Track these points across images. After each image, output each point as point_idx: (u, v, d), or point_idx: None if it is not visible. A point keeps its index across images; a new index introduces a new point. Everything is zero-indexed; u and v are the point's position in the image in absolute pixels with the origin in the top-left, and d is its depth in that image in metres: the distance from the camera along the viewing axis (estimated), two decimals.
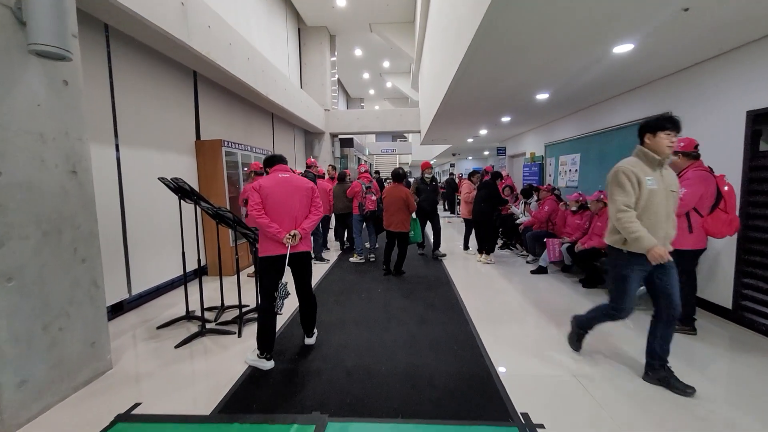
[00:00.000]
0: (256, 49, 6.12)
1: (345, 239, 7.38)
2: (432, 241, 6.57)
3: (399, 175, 5.46)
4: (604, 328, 3.13)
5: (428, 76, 8.62)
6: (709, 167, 3.13)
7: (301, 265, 2.99)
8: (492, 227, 6.22)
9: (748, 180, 3.31)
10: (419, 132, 11.75)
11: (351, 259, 6.40)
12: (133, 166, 4.16)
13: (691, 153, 3.18)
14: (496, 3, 2.55)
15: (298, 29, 11.15)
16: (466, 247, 6.91)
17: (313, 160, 6.83)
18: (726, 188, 3.06)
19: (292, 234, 2.79)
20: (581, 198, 5.30)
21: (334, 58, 12.18)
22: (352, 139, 12.85)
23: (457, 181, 13.13)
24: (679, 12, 2.59)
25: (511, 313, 3.84)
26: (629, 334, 3.28)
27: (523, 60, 3.89)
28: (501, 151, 11.17)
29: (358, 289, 4.74)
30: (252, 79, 5.90)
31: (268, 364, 2.81)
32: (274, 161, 3.09)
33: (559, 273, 5.37)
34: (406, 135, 25.54)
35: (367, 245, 6.84)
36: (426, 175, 6.30)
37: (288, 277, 2.84)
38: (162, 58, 4.61)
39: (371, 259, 6.37)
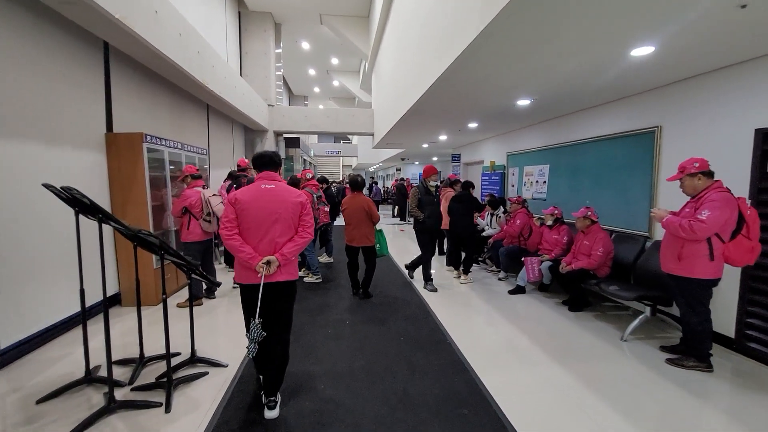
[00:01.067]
0: (190, 24, 4.98)
1: None
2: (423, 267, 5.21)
3: (358, 183, 4.80)
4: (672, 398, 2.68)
5: (389, 78, 8.00)
6: (727, 188, 2.85)
7: (278, 300, 2.36)
8: (476, 243, 5.71)
9: (756, 203, 3.10)
10: (372, 134, 11.09)
11: (306, 279, 5.52)
12: (7, 166, 2.94)
13: (709, 172, 2.88)
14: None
15: (239, 12, 9.90)
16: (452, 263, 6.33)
17: (246, 161, 5.74)
18: (749, 212, 2.79)
19: (265, 261, 2.23)
20: (557, 212, 5.00)
21: (280, 50, 11.05)
22: (298, 139, 11.79)
23: (406, 186, 12.68)
24: (736, 9, 2.19)
25: (509, 350, 3.29)
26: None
27: (522, 63, 3.40)
28: (455, 158, 10.90)
29: (322, 321, 3.91)
30: (185, 60, 4.77)
31: (270, 413, 2.33)
32: (261, 164, 2.43)
33: (537, 292, 5.01)
34: (349, 137, 24.77)
35: (324, 260, 6.00)
36: (431, 183, 5.09)
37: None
38: (57, 19, 3.39)
39: (318, 281, 5.52)
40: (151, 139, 4.34)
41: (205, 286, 4.55)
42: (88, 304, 3.72)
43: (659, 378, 2.81)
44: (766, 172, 3.10)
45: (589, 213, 4.26)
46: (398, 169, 21.54)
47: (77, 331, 3.57)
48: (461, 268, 5.59)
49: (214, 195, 4.40)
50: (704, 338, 2.91)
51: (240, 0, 9.65)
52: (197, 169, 4.53)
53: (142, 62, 4.62)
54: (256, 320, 2.17)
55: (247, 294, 2.34)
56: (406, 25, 5.99)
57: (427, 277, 5.11)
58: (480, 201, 5.81)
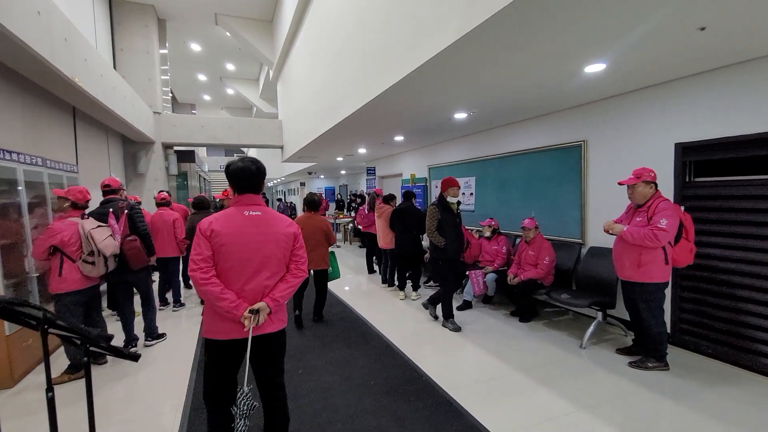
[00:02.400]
0: (54, 3, 3.77)
1: None
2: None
3: (314, 203, 4.45)
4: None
5: (304, 90, 7.42)
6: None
7: (268, 354, 1.88)
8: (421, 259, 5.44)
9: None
10: (281, 147, 10.23)
11: None
12: None
13: (655, 182, 3.10)
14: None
15: (110, 2, 8.22)
16: (388, 282, 5.94)
17: (116, 181, 4.19)
18: (685, 217, 3.06)
19: (255, 308, 1.74)
20: (494, 223, 5.08)
21: (166, 51, 9.51)
22: (193, 152, 10.24)
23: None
24: (693, 32, 2.33)
25: (487, 377, 3.05)
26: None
27: (471, 82, 3.36)
28: (370, 170, 10.72)
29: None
30: (46, 47, 3.55)
31: None
32: (243, 183, 1.85)
33: (482, 305, 4.98)
34: (244, 150, 22.91)
35: None
36: (450, 199, 4.11)
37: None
38: None
39: None
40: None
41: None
42: None
43: (632, 385, 2.87)
44: (686, 181, 3.49)
45: (537, 224, 4.38)
46: (302, 184, 20.59)
47: None
48: (409, 286, 5.34)
49: (99, 227, 3.25)
50: (663, 339, 3.08)
51: None
52: (86, 196, 3.34)
53: None
54: (245, 388, 1.75)
55: (221, 353, 1.80)
56: (328, 37, 5.58)
57: (448, 314, 4.19)
58: (425, 214, 5.57)
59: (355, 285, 6.37)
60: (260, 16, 9.40)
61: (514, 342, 3.77)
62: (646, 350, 3.17)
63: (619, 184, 3.20)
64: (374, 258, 7.19)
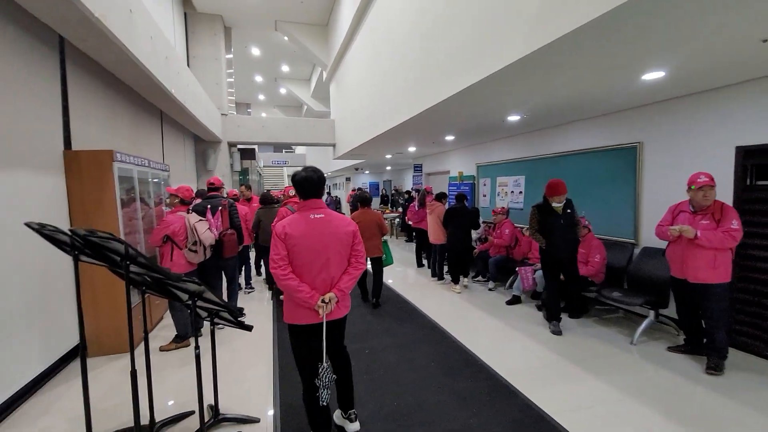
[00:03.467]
0: (158, 26, 4.41)
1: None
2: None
3: (367, 199, 5.11)
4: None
5: (359, 91, 7.82)
6: None
7: (338, 334, 2.33)
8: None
9: (740, 214, 3.47)
10: (333, 145, 10.78)
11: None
12: None
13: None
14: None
15: (185, 13, 9.07)
16: (437, 276, 6.33)
17: (219, 180, 5.07)
18: None
19: (327, 300, 2.08)
20: None
21: (231, 56, 10.32)
22: (254, 150, 11.06)
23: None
24: (756, 44, 2.43)
25: (539, 364, 3.30)
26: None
27: (533, 88, 3.55)
28: (417, 167, 11.02)
29: None
30: (156, 67, 4.19)
31: None
32: (308, 190, 2.19)
33: (532, 301, 5.16)
34: (293, 147, 23.97)
35: None
36: (556, 204, 4.01)
37: None
38: (11, 12, 2.75)
39: None
40: (121, 158, 3.72)
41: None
42: (47, 357, 3.08)
43: (682, 379, 3.00)
44: (747, 185, 3.49)
45: (586, 222, 4.50)
46: (348, 179, 21.28)
47: (47, 394, 2.91)
48: (455, 279, 5.67)
49: (200, 221, 3.85)
50: (727, 340, 3.14)
51: (187, 1, 8.85)
52: (191, 194, 3.99)
53: (107, 68, 3.97)
54: (325, 364, 2.08)
55: (303, 335, 2.17)
56: (386, 44, 5.91)
57: (551, 316, 4.13)
58: (476, 212, 5.87)
59: (406, 278, 6.74)
60: (316, 21, 9.93)
61: (565, 336, 3.95)
62: (716, 351, 3.14)
63: (700, 183, 3.07)
64: (423, 253, 7.50)
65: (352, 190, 17.34)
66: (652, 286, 3.95)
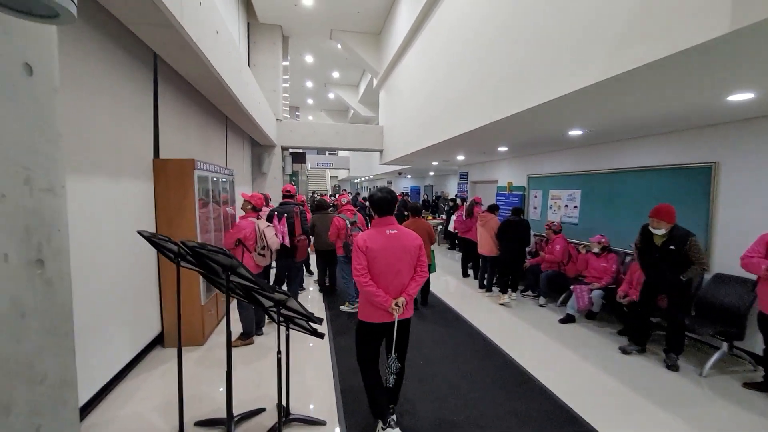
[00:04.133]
0: (237, 44, 4.73)
1: (326, 280, 6.16)
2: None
3: (418, 209, 5.36)
4: None
5: (413, 100, 7.91)
6: None
7: (404, 332, 2.58)
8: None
9: None
10: (380, 151, 10.97)
11: (342, 308, 5.31)
12: (80, 204, 2.61)
13: None
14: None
15: (248, 24, 9.60)
16: (484, 288, 6.32)
17: (293, 188, 5.48)
18: None
19: (399, 303, 2.41)
20: (604, 240, 5.05)
21: (287, 63, 10.80)
22: (304, 154, 11.50)
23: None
24: None
25: (602, 392, 3.22)
26: None
27: (608, 108, 3.45)
28: (463, 175, 10.95)
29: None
30: (232, 80, 4.52)
31: None
32: (383, 208, 2.53)
33: (586, 321, 5.01)
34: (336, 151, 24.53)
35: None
36: (653, 230, 3.66)
37: None
38: (120, 38, 3.09)
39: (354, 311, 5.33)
40: (201, 166, 4.04)
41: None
42: (132, 346, 3.40)
43: (759, 418, 2.82)
44: None
45: None
46: (389, 183, 21.48)
47: (131, 383, 3.22)
48: (504, 290, 5.66)
49: (268, 226, 4.14)
50: None
51: (250, 11, 9.36)
52: (263, 202, 4.29)
53: (188, 80, 4.33)
54: (393, 355, 2.47)
55: (372, 332, 2.54)
56: (443, 56, 5.97)
57: (673, 348, 3.68)
58: (527, 225, 5.78)
59: (452, 287, 6.74)
60: (370, 29, 10.16)
61: (626, 361, 3.82)
62: None
63: None
64: (469, 263, 7.45)
65: (399, 195, 17.46)
66: (726, 315, 3.73)
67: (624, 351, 3.97)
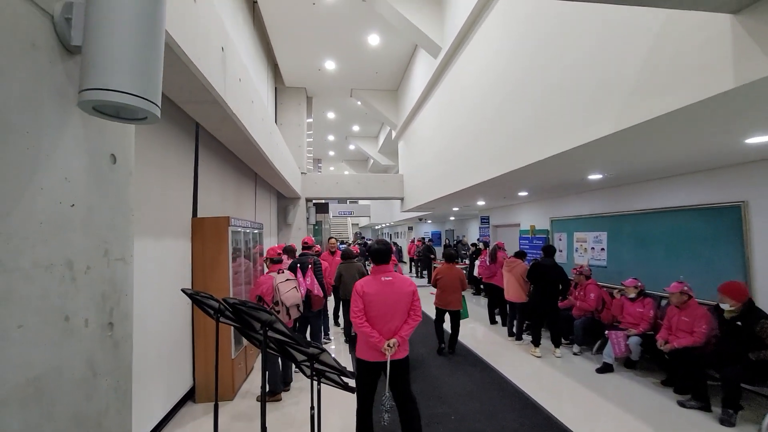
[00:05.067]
0: (267, 109, 5.17)
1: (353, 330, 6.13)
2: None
3: (452, 256, 5.60)
4: None
5: (430, 151, 8.24)
6: None
7: (399, 373, 2.75)
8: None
9: None
10: (401, 199, 11.22)
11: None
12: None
13: None
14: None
15: (275, 88, 10.42)
16: (514, 336, 6.13)
17: (312, 239, 5.66)
18: None
19: (391, 344, 2.62)
20: (640, 284, 4.90)
21: (311, 120, 11.52)
22: (327, 204, 11.89)
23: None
24: None
25: None
26: None
27: (627, 153, 3.54)
28: (484, 219, 10.99)
29: (430, 416, 3.58)
30: (264, 143, 4.89)
31: None
32: (378, 258, 2.82)
33: (625, 370, 4.75)
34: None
35: None
36: (724, 306, 3.62)
37: None
38: (169, 111, 3.47)
39: None
40: (234, 222, 4.28)
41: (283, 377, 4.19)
42: (165, 401, 3.43)
43: None
44: None
45: (685, 288, 4.17)
46: (410, 228, 21.66)
47: None
48: (549, 342, 5.42)
49: (287, 280, 4.10)
50: None
51: (278, 77, 10.20)
52: (278, 253, 4.39)
53: (225, 144, 4.71)
54: (387, 393, 2.61)
55: (369, 369, 2.74)
56: (462, 105, 6.30)
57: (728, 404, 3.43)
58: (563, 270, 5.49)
59: (480, 335, 6.56)
60: (388, 87, 10.86)
61: (671, 414, 3.58)
62: None
63: None
64: (495, 309, 7.28)
65: (417, 240, 17.53)
66: None
67: (683, 405, 3.72)
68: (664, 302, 4.89)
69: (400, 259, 19.56)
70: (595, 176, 4.95)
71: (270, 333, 2.19)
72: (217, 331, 2.46)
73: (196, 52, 2.44)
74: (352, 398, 3.94)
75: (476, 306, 8.93)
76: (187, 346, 3.94)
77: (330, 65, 9.33)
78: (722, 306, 3.65)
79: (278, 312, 3.98)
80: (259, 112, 4.64)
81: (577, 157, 3.74)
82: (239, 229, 4.54)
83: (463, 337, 6.18)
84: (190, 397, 3.99)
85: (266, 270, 4.37)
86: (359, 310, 2.69)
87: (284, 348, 2.42)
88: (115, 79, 1.05)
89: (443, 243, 18.55)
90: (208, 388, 3.97)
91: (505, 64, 4.70)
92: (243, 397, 4.13)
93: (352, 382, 2.60)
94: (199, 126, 4.16)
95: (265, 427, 2.22)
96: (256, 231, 5.56)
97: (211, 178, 4.72)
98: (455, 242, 16.70)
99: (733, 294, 3.57)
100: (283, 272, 4.27)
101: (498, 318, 7.18)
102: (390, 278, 2.77)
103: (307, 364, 2.35)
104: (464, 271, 11.18)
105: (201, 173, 4.35)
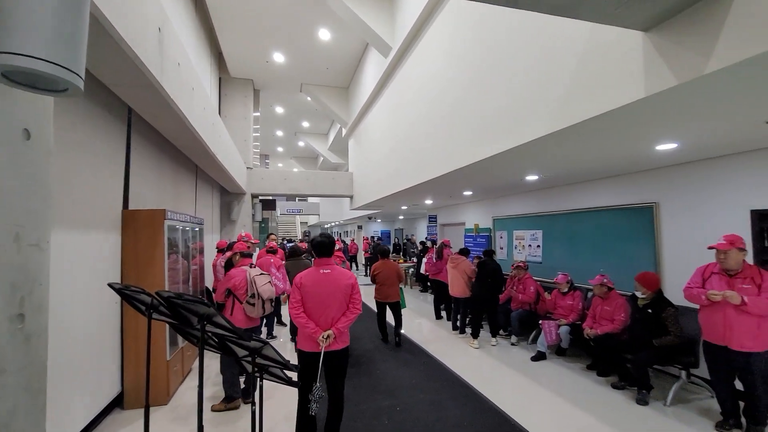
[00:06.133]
0: (210, 98, 4.92)
1: None
2: None
3: (386, 251, 6.04)
4: None
5: (381, 148, 8.31)
6: None
7: (335, 365, 2.80)
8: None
9: None
10: (351, 197, 11.20)
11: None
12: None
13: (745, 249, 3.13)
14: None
15: (220, 78, 9.93)
16: (459, 329, 6.37)
17: (248, 235, 5.38)
18: None
19: (326, 336, 2.67)
20: (570, 279, 5.32)
21: (258, 114, 11.11)
22: (275, 201, 11.53)
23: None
24: (761, 124, 2.71)
25: (578, 429, 3.29)
26: None
27: (557, 155, 3.83)
28: (432, 218, 11.30)
29: (371, 409, 3.62)
30: (205, 132, 4.64)
31: None
32: (321, 252, 2.85)
33: (557, 357, 5.14)
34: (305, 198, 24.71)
35: None
36: (637, 293, 4.05)
37: None
38: (97, 92, 3.18)
39: None
40: (171, 215, 4.03)
41: (243, 386, 3.89)
42: (90, 407, 3.15)
43: None
44: (764, 246, 3.64)
45: (605, 280, 4.61)
46: (359, 227, 21.64)
47: None
48: (487, 333, 5.72)
49: (261, 274, 3.98)
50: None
51: (222, 66, 9.73)
52: (248, 246, 4.18)
53: (163, 134, 4.41)
54: (318, 384, 2.59)
55: (308, 359, 2.74)
56: (412, 106, 6.42)
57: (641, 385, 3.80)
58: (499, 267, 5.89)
59: (426, 329, 6.74)
60: (339, 84, 10.77)
61: (595, 395, 3.93)
62: (753, 419, 3.07)
63: (709, 248, 3.21)
64: (441, 305, 7.52)
65: (365, 239, 17.59)
66: (680, 345, 3.97)
67: (615, 387, 4.09)
68: (590, 294, 5.36)
69: (351, 259, 19.33)
70: (532, 177, 5.30)
71: (209, 328, 2.09)
72: (149, 328, 2.29)
73: (128, 29, 2.26)
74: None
75: (423, 303, 9.15)
76: (115, 348, 3.64)
77: (279, 58, 9.07)
78: (636, 294, 4.07)
79: (254, 305, 3.81)
80: (201, 101, 4.40)
81: (513, 157, 3.99)
82: (177, 224, 4.28)
83: (410, 333, 6.33)
84: (118, 403, 3.68)
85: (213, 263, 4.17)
86: (297, 301, 2.73)
87: (224, 344, 2.33)
88: (28, 43, 0.95)
89: (392, 242, 18.81)
90: (138, 393, 3.69)
91: (453, 68, 4.88)
92: (179, 401, 3.89)
93: (296, 377, 2.56)
94: (132, 111, 3.86)
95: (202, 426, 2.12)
96: (196, 227, 5.27)
97: (145, 168, 4.39)
98: (404, 241, 17.00)
99: (646, 283, 4.00)
100: (255, 267, 4.11)
101: (443, 313, 7.42)
102: (329, 270, 2.80)
103: (249, 359, 2.29)
104: (411, 269, 11.46)
105: (134, 162, 4.03)
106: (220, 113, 9.92)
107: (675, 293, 4.23)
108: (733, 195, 3.85)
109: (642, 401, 3.75)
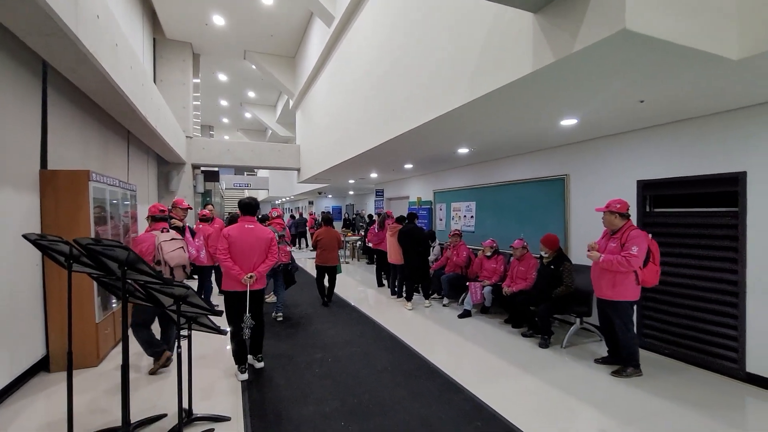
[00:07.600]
0: (138, 57, 4.69)
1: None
2: None
3: (329, 219, 6.49)
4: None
5: (326, 120, 8.34)
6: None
7: (256, 298, 3.51)
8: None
9: None
10: (298, 170, 11.14)
11: (273, 315, 5.43)
12: None
13: (626, 214, 3.66)
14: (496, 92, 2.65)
15: (154, 39, 9.28)
16: (396, 294, 6.73)
17: (184, 202, 4.81)
18: (652, 243, 3.72)
19: (249, 276, 3.35)
20: (495, 245, 5.85)
21: (198, 80, 10.55)
22: (218, 172, 11.15)
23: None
24: (636, 103, 3.18)
25: (485, 367, 3.78)
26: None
27: (481, 125, 4.16)
28: (379, 192, 11.58)
29: (294, 364, 3.88)
30: (133, 93, 4.45)
31: (242, 376, 3.43)
32: (247, 210, 3.54)
33: (481, 315, 5.69)
34: (255, 171, 23.95)
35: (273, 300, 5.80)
36: (545, 255, 4.63)
37: None
38: (4, 40, 2.98)
39: (279, 319, 5.43)
40: (96, 178, 3.90)
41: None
42: (9, 371, 3.11)
43: (605, 375, 3.58)
44: (647, 212, 4.28)
45: (525, 244, 5.15)
46: (311, 203, 21.51)
47: (10, 409, 2.96)
48: (420, 296, 6.12)
49: (172, 239, 3.77)
50: (636, 350, 3.62)
51: (157, 27, 9.09)
52: (163, 210, 4.00)
53: (86, 93, 4.18)
54: (247, 314, 3.33)
55: (234, 298, 3.42)
56: (351, 79, 6.51)
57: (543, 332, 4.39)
58: (429, 234, 6.36)
59: (367, 297, 7.08)
60: (285, 53, 10.48)
61: (508, 343, 4.48)
62: (623, 360, 3.67)
63: (596, 210, 3.81)
64: (383, 273, 7.89)
65: (311, 214, 17.59)
66: (578, 297, 4.60)
67: (524, 335, 4.68)
68: (512, 258, 5.93)
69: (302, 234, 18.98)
70: (463, 150, 5.67)
71: (132, 276, 2.17)
72: (70, 281, 2.31)
73: None
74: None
75: (370, 274, 9.47)
76: (36, 309, 3.54)
77: (219, 20, 8.64)
78: (542, 254, 4.61)
79: (160, 272, 3.72)
80: (127, 59, 4.21)
81: (440, 126, 4.25)
82: (104, 187, 4.15)
83: (349, 298, 6.64)
84: (43, 367, 3.63)
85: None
86: (224, 249, 3.34)
87: (150, 293, 2.42)
88: None
89: (343, 217, 18.96)
90: (64, 356, 3.64)
91: (386, 39, 5.05)
92: (111, 365, 3.90)
93: (224, 326, 2.72)
94: (48, 66, 3.63)
95: (127, 372, 2.22)
96: (128, 192, 5.10)
97: (67, 128, 4.16)
98: (354, 215, 17.22)
99: (548, 243, 4.55)
100: (167, 231, 3.95)
101: (385, 281, 7.80)
102: (252, 226, 3.48)
103: (174, 308, 2.40)
104: (359, 242, 11.75)
105: (52, 120, 3.82)
106: (155, 76, 9.36)
107: (579, 254, 4.85)
108: (624, 167, 4.45)
109: (543, 345, 4.34)
